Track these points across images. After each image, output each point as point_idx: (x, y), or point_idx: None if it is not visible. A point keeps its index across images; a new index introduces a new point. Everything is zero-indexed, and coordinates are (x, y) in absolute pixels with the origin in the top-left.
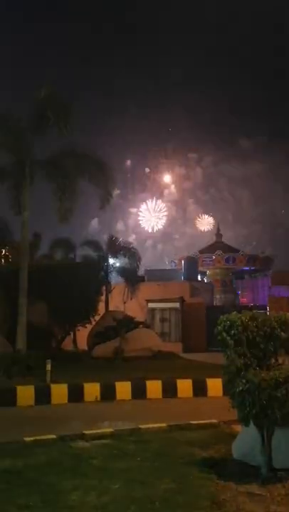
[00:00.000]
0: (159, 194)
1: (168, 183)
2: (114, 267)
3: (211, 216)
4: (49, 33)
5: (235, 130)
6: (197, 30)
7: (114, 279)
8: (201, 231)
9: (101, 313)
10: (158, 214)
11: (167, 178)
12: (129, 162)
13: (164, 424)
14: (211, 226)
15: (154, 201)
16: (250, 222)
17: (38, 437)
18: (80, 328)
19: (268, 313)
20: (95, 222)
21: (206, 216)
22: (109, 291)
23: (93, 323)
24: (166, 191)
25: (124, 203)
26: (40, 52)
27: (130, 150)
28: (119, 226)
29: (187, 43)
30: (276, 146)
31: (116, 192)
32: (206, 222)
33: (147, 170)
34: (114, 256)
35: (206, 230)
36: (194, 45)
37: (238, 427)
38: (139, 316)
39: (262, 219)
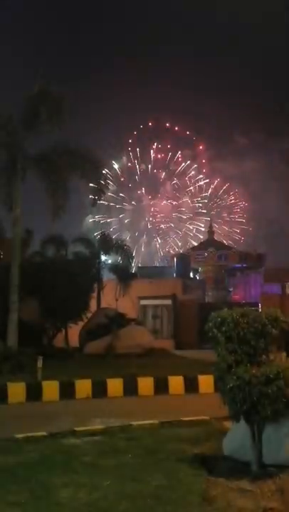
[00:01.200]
0: (156, 191)
1: (164, 180)
2: (106, 264)
3: (206, 214)
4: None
5: (232, 128)
6: (196, 25)
7: (107, 276)
8: (197, 228)
9: (93, 310)
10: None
11: (163, 175)
12: (124, 159)
13: (155, 421)
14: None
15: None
16: (245, 219)
17: (29, 434)
18: (71, 325)
19: (259, 310)
20: (89, 219)
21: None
22: (101, 288)
23: (85, 320)
24: (161, 188)
25: (120, 200)
26: (34, 48)
27: (127, 147)
28: (114, 223)
29: (184, 40)
30: (272, 144)
31: (111, 188)
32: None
33: (143, 167)
34: (107, 253)
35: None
36: (191, 41)
37: (229, 424)
38: (131, 313)
39: (257, 216)
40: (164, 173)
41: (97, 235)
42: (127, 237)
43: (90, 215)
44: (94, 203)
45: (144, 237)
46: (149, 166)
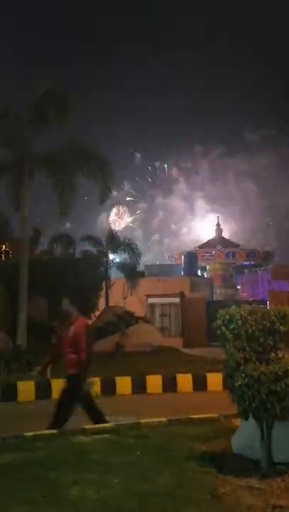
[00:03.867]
0: (168, 189)
1: (176, 178)
2: (114, 263)
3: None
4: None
5: (243, 123)
6: (206, 18)
7: (114, 274)
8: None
9: (101, 309)
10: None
11: (175, 172)
12: (139, 156)
13: (164, 419)
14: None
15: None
16: (257, 215)
17: (38, 432)
18: None
19: (268, 307)
20: (103, 218)
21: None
22: (109, 287)
23: (93, 318)
24: (174, 186)
25: (131, 198)
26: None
27: (138, 145)
28: (126, 221)
29: (193, 33)
30: (284, 139)
31: (123, 187)
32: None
33: (157, 164)
34: (114, 251)
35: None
36: (200, 36)
37: (238, 421)
38: (139, 312)
39: (269, 213)
40: (176, 170)
41: (106, 233)
42: (139, 235)
43: (104, 214)
44: (101, 201)
45: (157, 235)
46: (165, 165)
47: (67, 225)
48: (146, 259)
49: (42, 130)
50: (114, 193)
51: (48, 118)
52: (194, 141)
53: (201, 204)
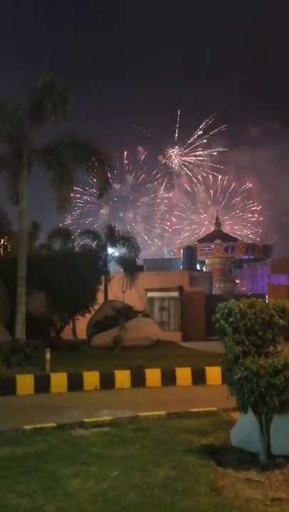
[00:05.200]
0: (170, 182)
1: (178, 171)
2: (113, 257)
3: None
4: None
5: (246, 116)
6: (209, 12)
7: (113, 268)
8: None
9: (100, 303)
10: None
11: (177, 166)
12: (142, 149)
13: (163, 412)
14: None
15: None
16: (258, 210)
17: (37, 425)
18: (79, 317)
19: (266, 301)
20: (105, 211)
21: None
22: (108, 281)
23: (92, 312)
24: (176, 179)
25: (134, 192)
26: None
27: (140, 139)
28: (129, 216)
29: (196, 27)
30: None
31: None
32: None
33: (160, 158)
34: (113, 245)
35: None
36: (203, 29)
37: (237, 415)
38: (138, 306)
39: (270, 206)
40: (176, 163)
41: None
42: (141, 229)
43: (105, 208)
44: (100, 195)
45: (159, 229)
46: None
47: (68, 218)
48: (147, 254)
49: (41, 123)
50: (118, 186)
51: (47, 111)
52: (196, 134)
53: (202, 198)
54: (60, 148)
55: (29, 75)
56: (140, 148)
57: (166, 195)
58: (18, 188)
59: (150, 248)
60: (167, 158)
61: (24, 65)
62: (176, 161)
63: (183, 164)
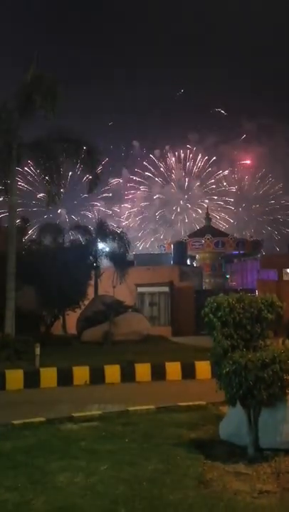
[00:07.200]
0: (163, 177)
1: (171, 166)
2: (103, 252)
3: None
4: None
5: (239, 111)
6: (203, 7)
7: (104, 263)
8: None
9: (90, 298)
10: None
11: (170, 160)
12: (135, 143)
13: (152, 406)
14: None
15: None
16: (250, 204)
17: (26, 420)
18: (69, 312)
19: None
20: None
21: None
22: (98, 276)
23: (82, 307)
24: (170, 174)
25: (126, 187)
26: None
27: (134, 134)
28: (122, 210)
29: (191, 22)
30: (280, 128)
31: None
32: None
33: (157, 153)
34: (104, 240)
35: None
36: (198, 25)
37: (226, 408)
38: (129, 301)
39: (262, 202)
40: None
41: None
42: (135, 224)
43: (100, 203)
44: (90, 190)
45: (155, 225)
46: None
47: (58, 213)
48: (140, 249)
49: (30, 118)
50: (114, 181)
51: (36, 106)
52: (190, 130)
53: (195, 193)
54: (49, 142)
55: (19, 69)
56: (135, 143)
57: (159, 189)
58: (6, 182)
59: (141, 242)
60: (161, 154)
61: (14, 59)
62: (170, 157)
63: (176, 159)
